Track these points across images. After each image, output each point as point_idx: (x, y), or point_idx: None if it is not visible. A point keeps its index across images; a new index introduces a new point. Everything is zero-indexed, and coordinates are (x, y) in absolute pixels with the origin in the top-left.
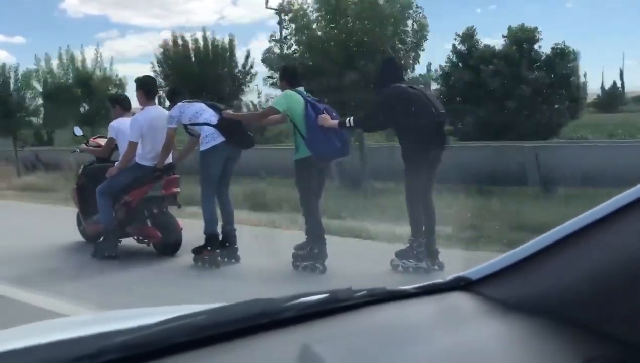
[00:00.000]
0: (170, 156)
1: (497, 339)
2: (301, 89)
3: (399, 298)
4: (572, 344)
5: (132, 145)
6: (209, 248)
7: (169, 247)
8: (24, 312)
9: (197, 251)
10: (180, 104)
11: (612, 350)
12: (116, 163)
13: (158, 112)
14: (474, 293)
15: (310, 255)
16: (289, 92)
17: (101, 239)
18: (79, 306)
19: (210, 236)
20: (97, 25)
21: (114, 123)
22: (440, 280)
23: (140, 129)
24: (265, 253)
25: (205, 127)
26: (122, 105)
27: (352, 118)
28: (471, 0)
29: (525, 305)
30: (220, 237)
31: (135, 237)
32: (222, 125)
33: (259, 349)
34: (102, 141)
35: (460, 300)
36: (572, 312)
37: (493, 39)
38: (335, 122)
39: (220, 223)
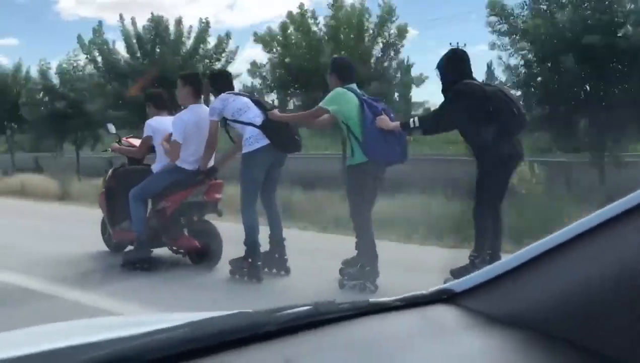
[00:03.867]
0: (212, 158)
1: (479, 353)
2: (353, 86)
3: (382, 310)
4: (555, 358)
5: (176, 146)
6: (249, 260)
7: (207, 259)
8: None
9: (236, 263)
10: (224, 95)
11: None
12: (152, 166)
13: (204, 112)
14: (457, 306)
15: (360, 273)
16: (340, 90)
17: (131, 248)
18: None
19: (250, 247)
20: (91, 28)
21: (151, 121)
22: (423, 292)
23: (184, 129)
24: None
25: (249, 127)
26: (155, 102)
27: (416, 118)
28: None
29: (509, 318)
30: (268, 248)
31: (170, 247)
32: (268, 127)
33: None
34: (136, 141)
35: (443, 313)
36: (555, 326)
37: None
38: (397, 123)
39: (268, 233)
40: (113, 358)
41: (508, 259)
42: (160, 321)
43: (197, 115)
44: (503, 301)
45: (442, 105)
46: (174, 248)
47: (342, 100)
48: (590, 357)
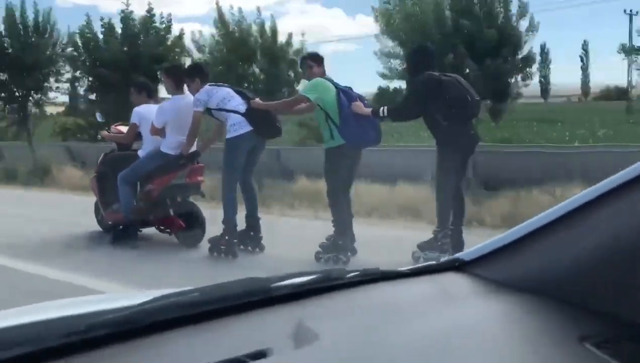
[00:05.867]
0: (195, 144)
1: (491, 318)
2: (329, 77)
3: (392, 278)
4: (567, 322)
5: (154, 130)
6: (226, 237)
7: (191, 237)
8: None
9: (214, 241)
10: (207, 87)
11: (607, 326)
12: (139, 151)
13: (186, 101)
14: (468, 274)
15: (333, 246)
16: (319, 79)
17: (121, 227)
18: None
19: (228, 225)
20: (85, 14)
21: (138, 109)
22: (433, 262)
23: (165, 116)
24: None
25: (233, 114)
26: (146, 90)
27: (385, 107)
28: None
29: (519, 284)
30: (244, 226)
31: (157, 227)
32: (251, 114)
33: (252, 325)
34: (125, 128)
35: (454, 280)
36: (566, 291)
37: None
38: (369, 110)
39: (244, 213)
40: (123, 320)
41: (516, 228)
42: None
43: (179, 104)
44: (512, 268)
45: (406, 96)
46: (161, 227)
47: (321, 88)
48: (601, 319)
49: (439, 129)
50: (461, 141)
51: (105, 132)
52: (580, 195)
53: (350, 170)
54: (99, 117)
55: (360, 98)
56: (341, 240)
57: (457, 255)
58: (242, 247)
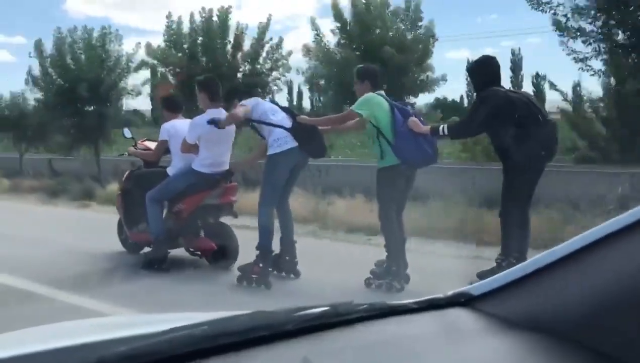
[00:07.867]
0: (227, 163)
1: (497, 356)
2: (382, 92)
3: (399, 313)
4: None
5: (186, 147)
6: (260, 265)
7: (223, 260)
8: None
9: (245, 269)
10: (250, 100)
11: None
12: (167, 168)
13: (222, 116)
14: (474, 310)
15: (387, 272)
16: (370, 95)
17: (150, 250)
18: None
19: (263, 251)
20: (98, 26)
21: (166, 125)
22: (441, 295)
23: (198, 131)
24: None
25: (277, 129)
26: (169, 106)
27: (445, 125)
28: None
29: (526, 322)
30: (279, 250)
31: (186, 248)
32: (297, 130)
33: (259, 361)
34: (151, 144)
35: (460, 316)
36: (573, 331)
37: (494, 48)
38: (427, 127)
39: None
40: (137, 354)
41: (525, 264)
42: (179, 319)
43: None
44: (520, 305)
45: (469, 112)
46: (191, 249)
47: (373, 104)
48: (605, 361)
49: (506, 149)
50: (529, 163)
51: (132, 148)
52: (592, 231)
53: (403, 191)
54: (125, 133)
55: (416, 115)
56: (395, 266)
57: (464, 289)
58: (275, 272)
